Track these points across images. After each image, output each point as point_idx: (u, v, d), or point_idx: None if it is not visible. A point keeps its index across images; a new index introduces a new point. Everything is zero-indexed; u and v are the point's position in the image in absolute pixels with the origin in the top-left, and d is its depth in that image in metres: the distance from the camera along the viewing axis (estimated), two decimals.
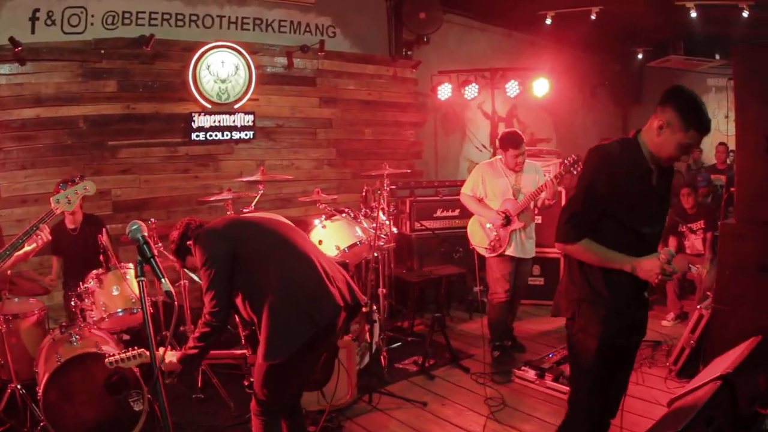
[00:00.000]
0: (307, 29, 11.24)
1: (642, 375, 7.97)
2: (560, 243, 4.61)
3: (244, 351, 5.43)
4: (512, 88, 12.97)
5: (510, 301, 8.63)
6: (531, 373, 7.88)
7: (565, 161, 7.94)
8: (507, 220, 8.28)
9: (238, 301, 4.98)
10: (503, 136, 8.51)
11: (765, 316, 6.97)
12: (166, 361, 4.87)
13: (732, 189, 7.56)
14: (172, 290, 3.89)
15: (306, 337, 4.74)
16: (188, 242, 5.12)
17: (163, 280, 3.82)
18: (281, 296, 4.80)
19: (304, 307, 4.80)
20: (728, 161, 13.69)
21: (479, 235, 8.61)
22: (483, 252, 8.60)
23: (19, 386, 6.35)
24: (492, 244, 8.44)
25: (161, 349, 4.87)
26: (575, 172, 7.78)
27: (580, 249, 4.50)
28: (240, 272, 4.92)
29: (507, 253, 8.40)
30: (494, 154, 12.78)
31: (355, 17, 11.89)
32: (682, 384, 7.13)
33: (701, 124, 4.25)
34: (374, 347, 8.04)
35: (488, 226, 8.44)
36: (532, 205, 8.36)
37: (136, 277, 3.99)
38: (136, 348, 4.92)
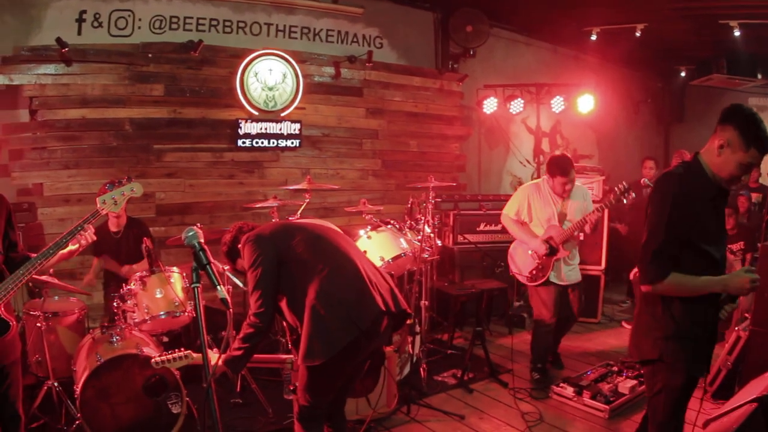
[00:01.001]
0: (355, 40, 11.23)
1: None
2: (649, 285, 4.39)
3: (290, 355, 5.38)
4: (557, 103, 12.89)
5: (558, 326, 8.48)
6: (569, 390, 7.79)
7: (616, 189, 7.69)
8: (552, 249, 8.01)
9: (283, 304, 5.02)
10: (551, 160, 8.13)
11: None
12: (212, 362, 4.78)
13: None
14: (228, 297, 3.82)
15: (346, 341, 4.74)
16: (239, 245, 5.18)
17: (219, 287, 3.83)
18: (323, 300, 4.79)
19: (345, 312, 4.81)
20: (760, 180, 13.56)
21: (520, 261, 8.37)
22: (523, 280, 8.40)
23: (56, 383, 6.34)
24: (533, 272, 8.20)
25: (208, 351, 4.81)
26: (625, 201, 7.68)
27: (670, 286, 4.31)
28: (286, 276, 4.96)
29: (550, 280, 8.19)
30: (537, 169, 12.71)
31: (402, 29, 11.88)
32: (717, 405, 6.96)
33: (762, 142, 4.17)
34: (414, 359, 8.06)
35: (530, 252, 8.20)
36: (576, 233, 8.06)
37: (191, 283, 3.91)
38: (182, 349, 4.93)
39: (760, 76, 13.63)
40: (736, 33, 11.90)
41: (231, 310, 3.94)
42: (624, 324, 11.36)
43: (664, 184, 4.42)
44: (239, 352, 4.88)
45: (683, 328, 4.40)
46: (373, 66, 11.23)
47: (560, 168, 7.90)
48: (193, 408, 6.39)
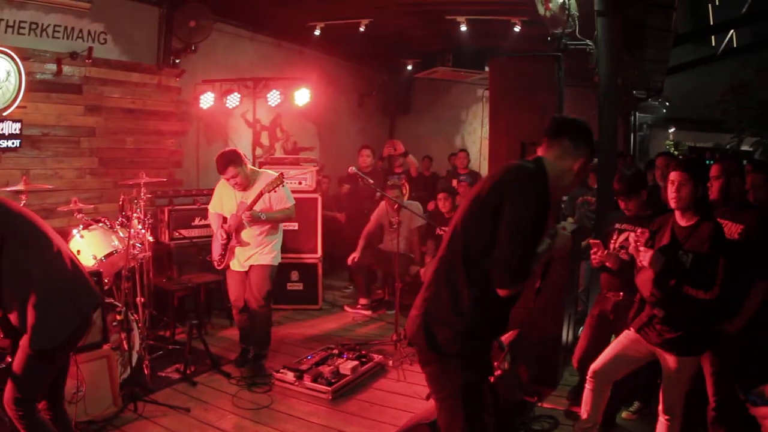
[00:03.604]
0: (80, 35, 11.19)
1: (403, 372, 9.16)
2: (516, 288, 4.35)
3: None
4: (273, 97, 13.64)
5: (246, 311, 9.44)
6: (290, 375, 8.65)
7: (268, 185, 8.73)
8: (229, 237, 9.12)
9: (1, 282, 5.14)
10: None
11: (522, 312, 7.83)
12: None
13: None
14: None
15: (73, 326, 5.20)
16: None
17: None
18: (47, 285, 5.13)
19: (70, 297, 5.22)
20: (468, 167, 15.94)
21: (215, 248, 9.44)
22: (215, 264, 9.53)
23: None
24: (219, 258, 9.35)
25: None
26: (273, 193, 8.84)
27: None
28: (2, 256, 5.10)
29: (231, 267, 9.33)
30: (254, 162, 13.51)
31: (127, 25, 12.07)
32: None
33: (594, 148, 4.70)
34: (136, 356, 8.47)
35: (220, 240, 9.29)
36: (245, 220, 8.89)
37: None
38: None
39: (487, 69, 14.95)
40: (463, 28, 13.09)
41: None
42: (347, 308, 12.72)
43: (528, 182, 4.39)
44: None
45: (484, 327, 4.48)
46: (93, 62, 11.30)
47: (218, 167, 8.83)
48: None
